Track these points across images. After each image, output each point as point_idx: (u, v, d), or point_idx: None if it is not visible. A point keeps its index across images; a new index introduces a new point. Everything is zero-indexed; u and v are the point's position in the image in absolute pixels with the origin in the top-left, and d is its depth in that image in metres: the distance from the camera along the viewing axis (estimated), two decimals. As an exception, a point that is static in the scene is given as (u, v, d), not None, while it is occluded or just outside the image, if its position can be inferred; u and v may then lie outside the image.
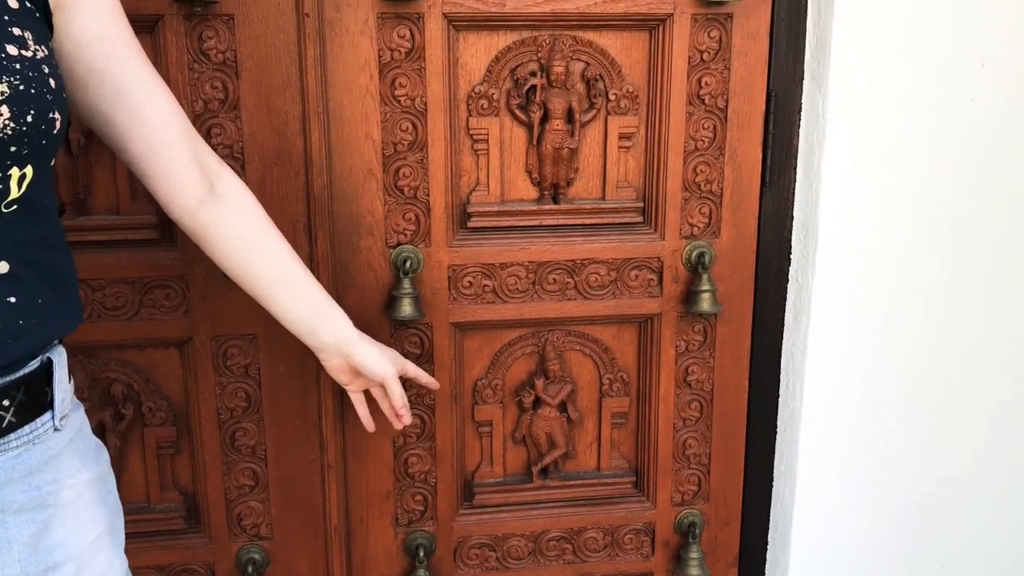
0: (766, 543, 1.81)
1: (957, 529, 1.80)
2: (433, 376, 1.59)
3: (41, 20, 0.94)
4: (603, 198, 1.59)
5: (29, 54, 0.88)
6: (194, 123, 1.41)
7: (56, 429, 0.99)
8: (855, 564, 1.79)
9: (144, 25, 1.39)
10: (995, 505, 1.80)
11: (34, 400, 0.96)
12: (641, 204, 1.60)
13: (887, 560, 1.80)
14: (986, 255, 1.65)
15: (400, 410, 1.37)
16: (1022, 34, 1.55)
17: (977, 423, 1.74)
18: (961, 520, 1.80)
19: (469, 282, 1.57)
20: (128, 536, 1.56)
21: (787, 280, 1.67)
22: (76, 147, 1.41)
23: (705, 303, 1.58)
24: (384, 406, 1.39)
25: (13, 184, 0.87)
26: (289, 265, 1.24)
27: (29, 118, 0.86)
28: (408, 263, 1.53)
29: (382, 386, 1.35)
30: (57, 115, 0.89)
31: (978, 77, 1.55)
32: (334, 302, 1.29)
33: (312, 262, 1.50)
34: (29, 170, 0.88)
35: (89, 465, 1.05)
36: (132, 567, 1.58)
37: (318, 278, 1.49)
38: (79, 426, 1.06)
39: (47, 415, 0.97)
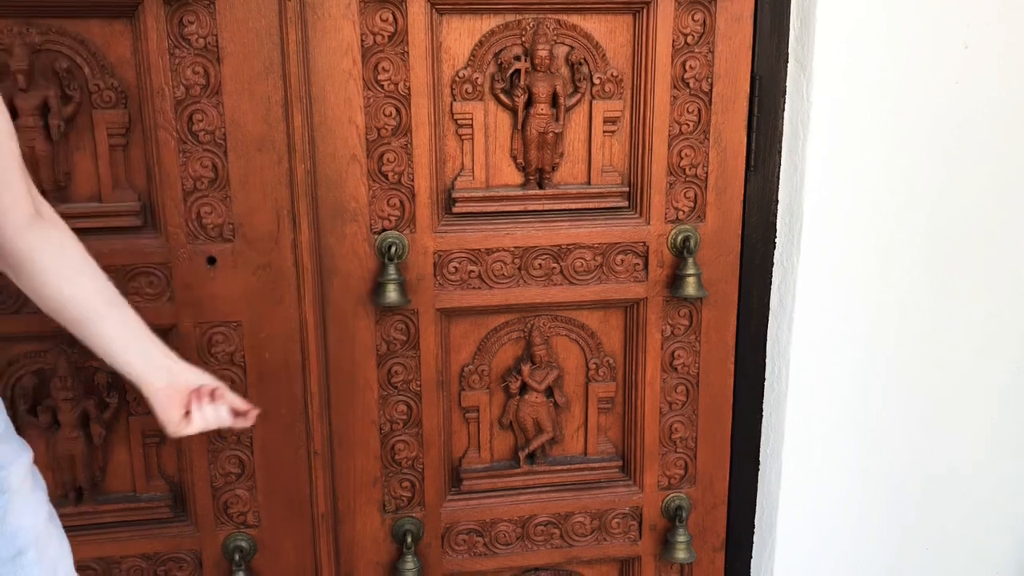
0: (753, 526, 1.82)
1: (942, 511, 1.81)
2: (420, 363, 1.59)
3: None
4: (588, 183, 1.59)
5: None
6: (175, 109, 1.42)
7: None
8: (841, 546, 1.80)
9: (124, 10, 1.38)
10: (980, 488, 1.81)
11: None
12: (626, 189, 1.60)
13: (873, 543, 1.81)
14: (971, 237, 1.65)
15: (244, 407, 1.30)
16: (1006, 16, 1.55)
17: (963, 405, 1.75)
18: (946, 502, 1.81)
19: (455, 268, 1.57)
20: (114, 525, 1.58)
21: (772, 264, 1.67)
22: (56, 133, 1.39)
23: (690, 287, 1.59)
24: (212, 416, 1.29)
25: None
26: (103, 303, 1.20)
27: None
28: (393, 249, 1.52)
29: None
30: None
31: (962, 59, 1.55)
32: (154, 338, 1.24)
33: (296, 248, 1.50)
34: None
35: (24, 451, 1.10)
36: (118, 556, 1.60)
37: (302, 265, 1.50)
38: (4, 414, 1.10)
39: None
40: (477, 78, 1.50)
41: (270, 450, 1.59)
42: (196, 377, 1.25)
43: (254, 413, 1.32)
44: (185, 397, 1.24)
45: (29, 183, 1.13)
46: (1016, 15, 1.55)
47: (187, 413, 1.25)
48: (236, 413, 1.30)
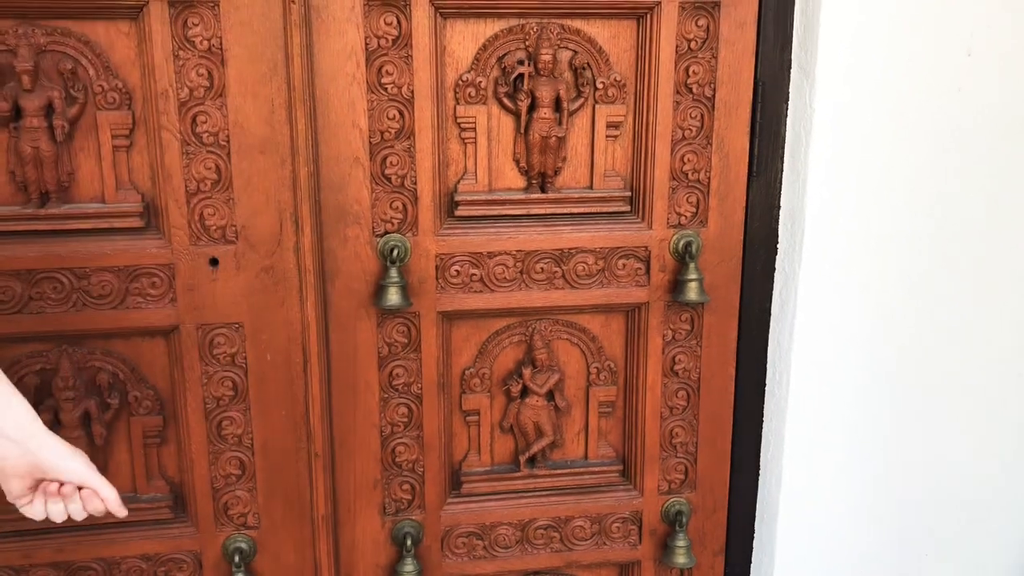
0: (753, 531, 1.82)
1: (942, 518, 1.81)
2: (422, 365, 1.59)
3: None
4: (591, 187, 1.59)
5: None
6: (179, 111, 1.42)
7: None
8: (841, 552, 1.79)
9: (128, 12, 1.38)
10: (981, 495, 1.81)
11: None
12: (629, 193, 1.60)
13: (873, 549, 1.81)
14: (974, 243, 1.65)
15: (116, 507, 1.17)
16: (1008, 23, 1.55)
17: (965, 411, 1.75)
18: (947, 509, 1.81)
19: (457, 271, 1.57)
20: (114, 526, 1.58)
21: (774, 269, 1.67)
22: (60, 134, 1.40)
23: (692, 292, 1.59)
24: (56, 512, 1.15)
25: None
26: None
27: None
28: (395, 252, 1.52)
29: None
30: None
31: (965, 66, 1.55)
32: (16, 393, 1.13)
33: (298, 251, 1.50)
34: None
35: None
36: (119, 557, 1.60)
37: (304, 267, 1.50)
38: None
39: None
40: (480, 82, 1.50)
41: (271, 452, 1.59)
42: (54, 462, 1.11)
43: (119, 511, 1.18)
44: (32, 479, 1.12)
45: None
46: (1019, 22, 1.55)
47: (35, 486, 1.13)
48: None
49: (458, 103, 1.51)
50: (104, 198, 1.46)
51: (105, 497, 1.16)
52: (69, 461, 1.13)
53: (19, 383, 1.50)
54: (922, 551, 1.83)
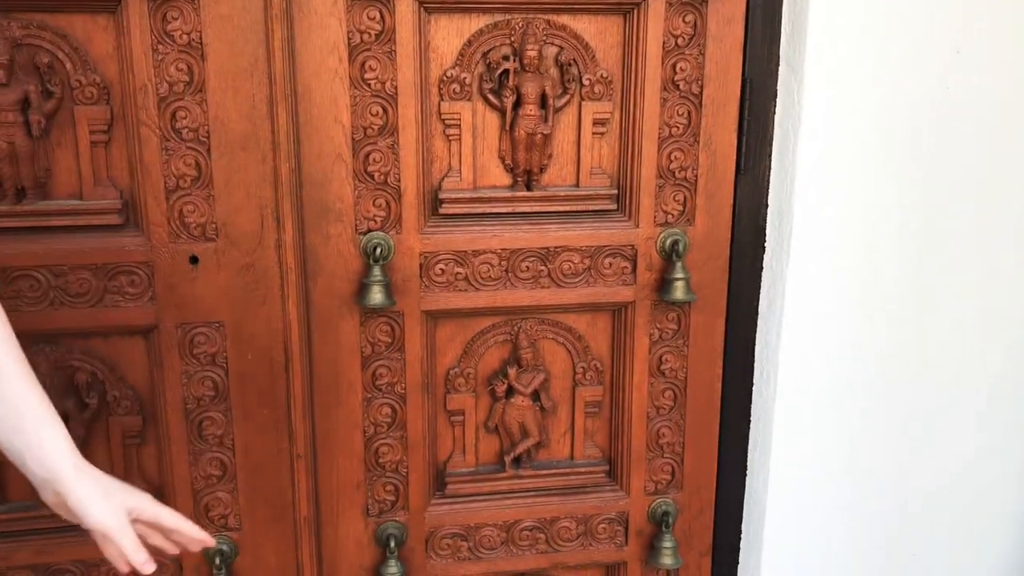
0: (740, 532, 1.81)
1: (931, 517, 1.81)
2: (405, 365, 1.57)
3: None
4: (577, 185, 1.57)
5: None
6: (158, 106, 1.40)
7: None
8: (829, 552, 1.79)
9: (107, 5, 1.36)
10: (968, 493, 1.80)
11: None
12: (615, 191, 1.58)
13: (861, 549, 1.80)
14: (962, 243, 1.65)
15: (138, 563, 1.08)
16: (997, 21, 1.54)
17: (952, 411, 1.74)
18: (935, 509, 1.80)
19: (441, 269, 1.55)
20: (92, 527, 1.55)
21: (761, 268, 1.66)
22: (37, 129, 1.37)
23: (679, 291, 1.57)
24: (111, 552, 1.08)
25: None
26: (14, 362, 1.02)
27: None
28: (378, 250, 1.50)
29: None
30: None
31: (953, 63, 1.55)
32: (55, 422, 1.05)
33: (280, 248, 1.48)
34: None
35: None
36: (98, 559, 1.56)
37: (286, 265, 1.48)
38: None
39: None
40: (465, 78, 1.49)
41: (252, 452, 1.57)
42: (79, 510, 1.03)
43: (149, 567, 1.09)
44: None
45: None
46: (1007, 19, 1.54)
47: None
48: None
49: (442, 99, 1.49)
50: (82, 194, 1.43)
51: (129, 555, 1.06)
52: (92, 509, 1.03)
53: (-5, 383, 1.48)
54: (911, 551, 1.83)
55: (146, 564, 1.08)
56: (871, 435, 1.73)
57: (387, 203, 1.51)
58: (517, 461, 1.68)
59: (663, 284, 1.60)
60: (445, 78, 1.48)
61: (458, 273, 1.56)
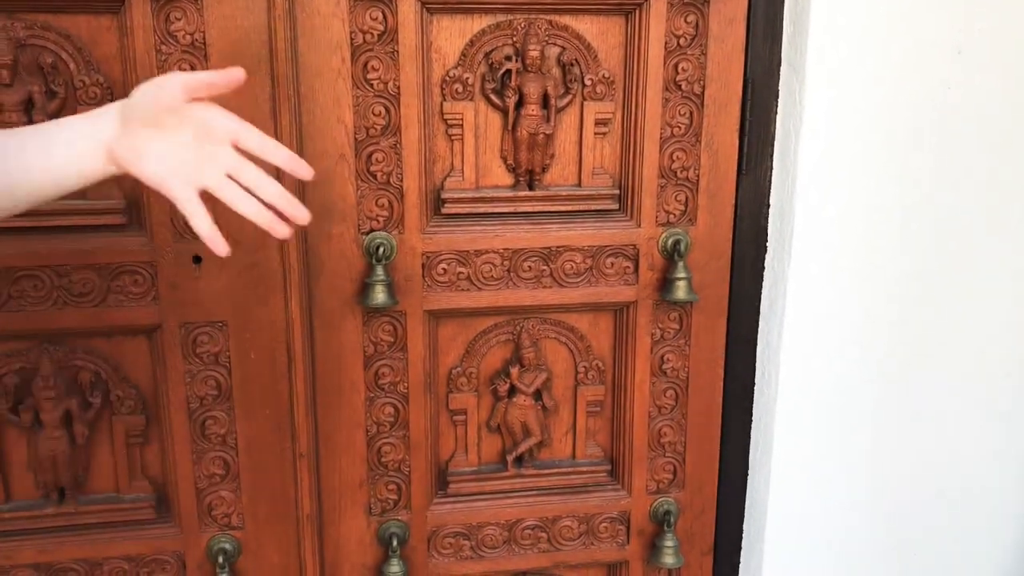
0: (741, 531, 1.81)
1: (933, 517, 1.81)
2: (408, 364, 1.57)
3: None
4: (579, 185, 1.58)
5: None
6: (161, 106, 1.39)
7: None
8: (831, 552, 1.79)
9: (110, 5, 1.36)
10: (971, 493, 1.80)
11: None
12: (617, 191, 1.58)
13: (863, 548, 1.80)
14: (962, 242, 1.65)
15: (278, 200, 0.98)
16: (999, 22, 1.54)
17: (953, 409, 1.74)
18: (937, 509, 1.80)
19: (443, 269, 1.55)
20: (97, 526, 1.56)
21: (763, 268, 1.66)
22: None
23: (681, 291, 1.58)
24: (246, 208, 0.99)
25: None
26: None
27: None
28: (381, 250, 1.51)
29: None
30: None
31: (955, 64, 1.55)
32: (63, 122, 1.03)
33: (283, 248, 1.48)
34: None
35: None
36: (101, 558, 1.58)
37: (288, 265, 1.49)
38: None
39: None
40: (467, 78, 1.49)
41: (255, 452, 1.57)
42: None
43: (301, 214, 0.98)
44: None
45: None
46: (1009, 19, 1.55)
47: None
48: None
49: (445, 99, 1.50)
50: (85, 194, 1.42)
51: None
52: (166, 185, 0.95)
53: (-2, 382, 1.49)
54: (913, 550, 1.83)
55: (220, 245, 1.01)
56: (872, 435, 1.73)
57: (390, 203, 1.51)
58: (519, 460, 1.69)
59: (665, 284, 1.60)
60: (447, 78, 1.49)
61: (460, 273, 1.56)
